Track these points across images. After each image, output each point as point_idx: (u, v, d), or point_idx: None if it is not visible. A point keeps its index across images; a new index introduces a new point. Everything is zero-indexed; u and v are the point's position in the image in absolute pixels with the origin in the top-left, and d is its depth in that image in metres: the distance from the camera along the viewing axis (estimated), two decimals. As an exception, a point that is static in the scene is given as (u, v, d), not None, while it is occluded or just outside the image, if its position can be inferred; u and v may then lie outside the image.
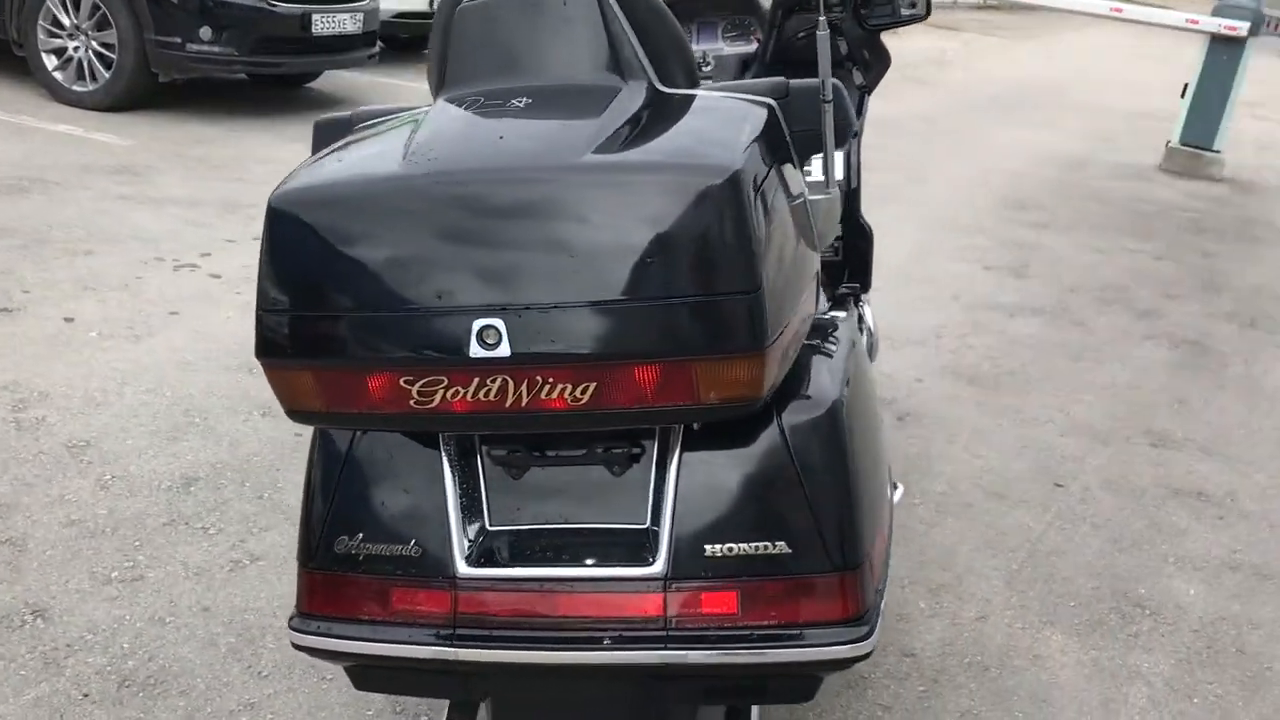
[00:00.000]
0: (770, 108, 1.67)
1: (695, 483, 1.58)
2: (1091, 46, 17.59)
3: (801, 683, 1.67)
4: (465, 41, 1.73)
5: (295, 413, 1.56)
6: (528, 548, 1.61)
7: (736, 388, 1.47)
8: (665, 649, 1.55)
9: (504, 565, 1.59)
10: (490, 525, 1.62)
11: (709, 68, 2.94)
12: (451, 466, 1.61)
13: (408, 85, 8.73)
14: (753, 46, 3.06)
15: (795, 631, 1.56)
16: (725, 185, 1.40)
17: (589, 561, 1.58)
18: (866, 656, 1.58)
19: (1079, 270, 5.77)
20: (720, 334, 1.42)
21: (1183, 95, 8.59)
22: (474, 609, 1.59)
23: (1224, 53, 8.32)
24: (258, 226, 5.13)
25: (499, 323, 1.41)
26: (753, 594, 1.57)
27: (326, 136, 1.84)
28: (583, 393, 1.45)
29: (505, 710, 1.72)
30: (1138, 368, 4.47)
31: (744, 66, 3.00)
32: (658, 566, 1.55)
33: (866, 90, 2.99)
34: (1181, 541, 3.14)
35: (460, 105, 1.65)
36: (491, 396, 1.45)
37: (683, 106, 1.67)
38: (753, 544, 1.57)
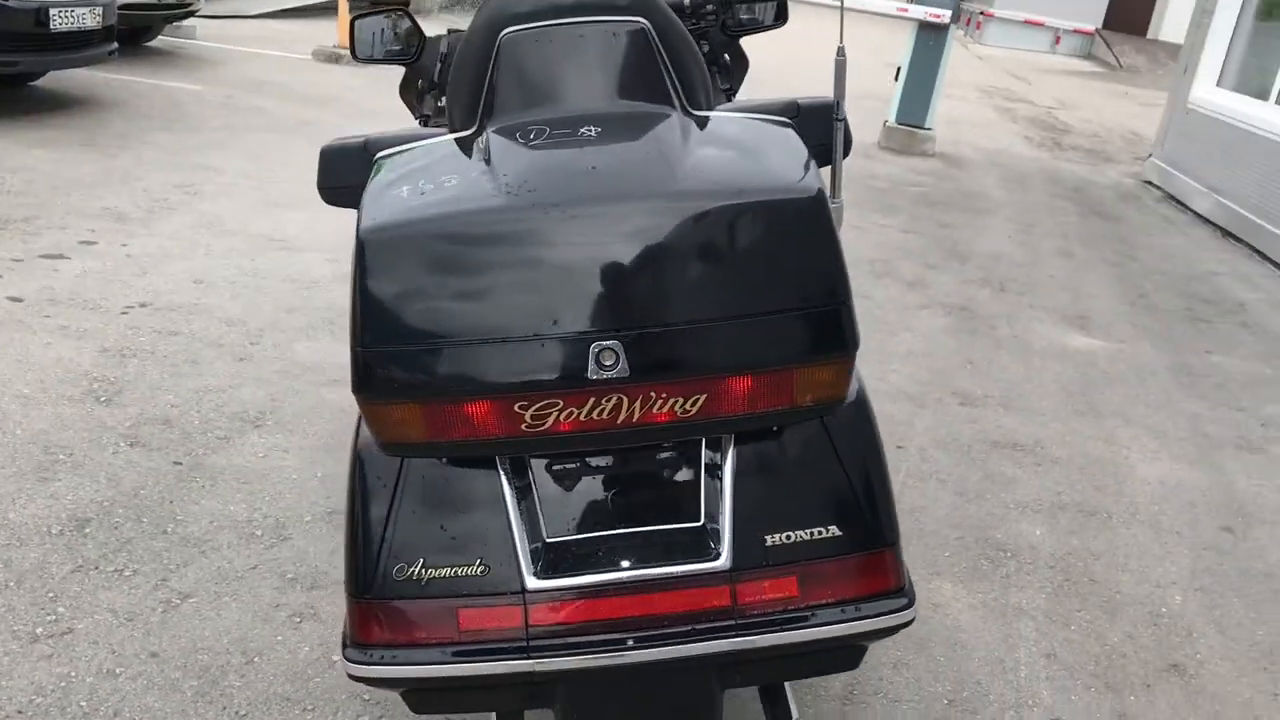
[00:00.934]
0: (793, 128, 1.83)
1: (749, 479, 1.72)
2: (793, 32, 18.58)
3: (850, 653, 1.83)
4: (514, 71, 1.77)
5: (393, 445, 1.60)
6: (590, 555, 1.68)
7: (827, 389, 1.63)
8: (735, 636, 1.68)
9: (572, 574, 1.66)
10: (548, 537, 1.68)
11: None
12: (510, 484, 1.67)
13: (139, 81, 8.22)
14: None
15: (851, 607, 1.72)
16: (814, 205, 1.57)
17: (655, 562, 1.68)
18: (911, 623, 1.77)
19: (844, 246, 6.22)
20: (819, 342, 1.59)
21: (895, 78, 9.35)
22: (546, 619, 1.65)
23: (930, 38, 9.11)
24: (41, 243, 4.82)
25: (616, 345, 1.50)
26: (810, 577, 1.72)
27: (340, 164, 1.83)
28: (692, 405, 1.57)
29: (573, 713, 1.80)
30: (924, 334, 4.93)
31: None
32: (723, 560, 1.67)
33: (731, 93, 3.18)
34: (1014, 489, 3.55)
35: (526, 135, 1.68)
36: (604, 415, 1.55)
37: (730, 130, 1.79)
38: (808, 530, 1.72)
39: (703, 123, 1.79)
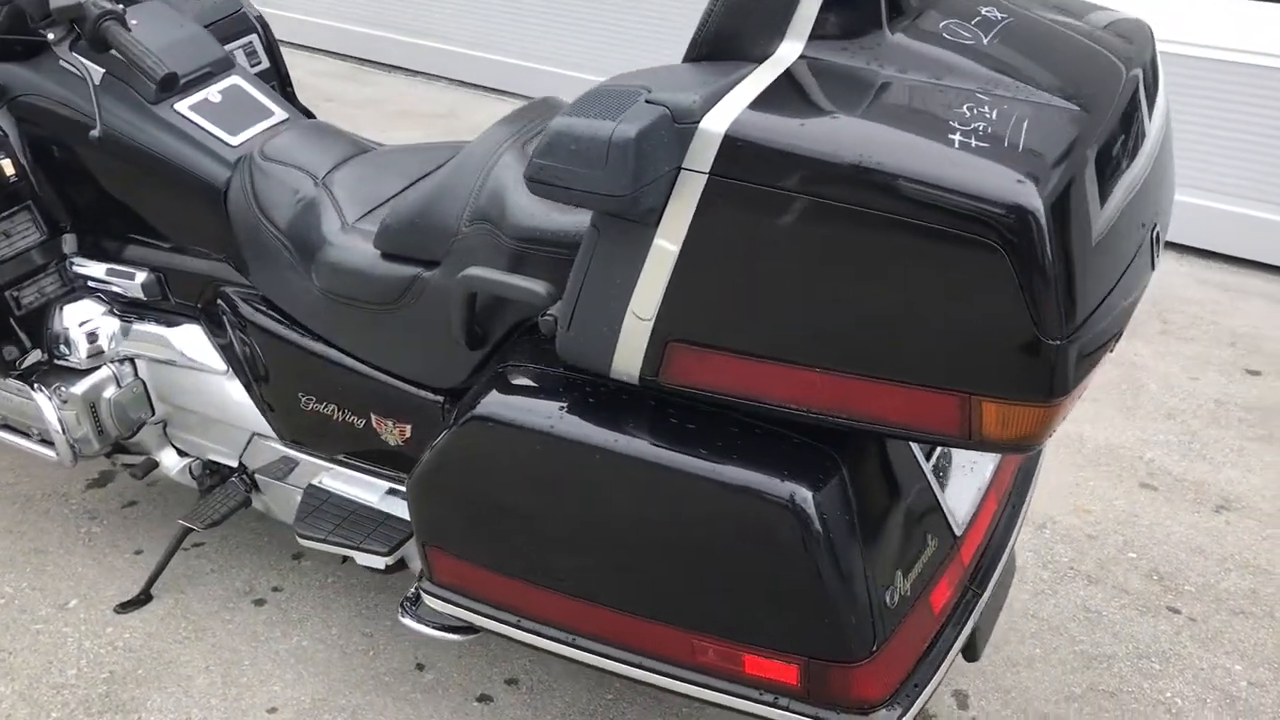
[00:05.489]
0: None
1: None
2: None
3: None
4: None
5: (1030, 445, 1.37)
6: (944, 470, 1.71)
7: None
8: None
9: (959, 496, 1.68)
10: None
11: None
12: (919, 447, 1.61)
13: None
14: None
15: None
16: None
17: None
18: None
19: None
20: None
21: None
22: (970, 551, 1.66)
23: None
24: None
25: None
26: None
27: (652, 150, 1.30)
28: None
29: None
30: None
31: None
32: None
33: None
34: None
35: (955, 33, 1.44)
36: None
37: None
38: None
39: None
